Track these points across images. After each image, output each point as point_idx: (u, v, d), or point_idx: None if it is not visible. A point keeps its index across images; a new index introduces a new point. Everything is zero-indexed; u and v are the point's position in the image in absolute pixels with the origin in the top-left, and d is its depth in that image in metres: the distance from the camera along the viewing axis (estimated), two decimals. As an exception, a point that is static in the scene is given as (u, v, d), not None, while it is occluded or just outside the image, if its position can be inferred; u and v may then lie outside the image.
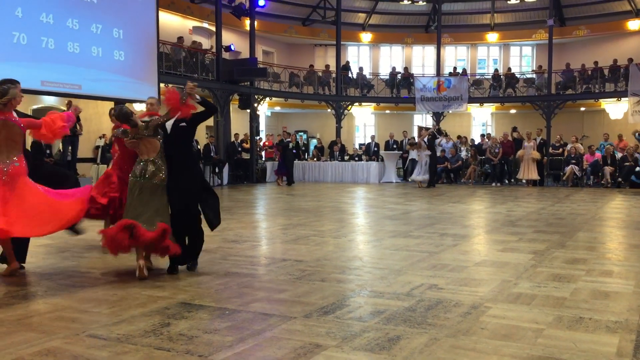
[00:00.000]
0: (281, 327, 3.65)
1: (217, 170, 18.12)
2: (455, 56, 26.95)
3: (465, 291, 4.54)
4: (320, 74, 23.62)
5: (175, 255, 5.15)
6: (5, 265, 5.20)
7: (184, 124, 5.28)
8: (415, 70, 25.84)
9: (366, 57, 27.08)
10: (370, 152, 21.04)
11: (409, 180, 18.45)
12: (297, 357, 3.15)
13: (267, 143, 21.14)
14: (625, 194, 14.09)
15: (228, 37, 20.83)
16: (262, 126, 24.16)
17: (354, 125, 26.63)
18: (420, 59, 27.11)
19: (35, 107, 14.88)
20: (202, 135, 19.79)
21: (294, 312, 3.98)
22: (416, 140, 18.40)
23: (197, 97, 5.31)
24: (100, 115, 16.05)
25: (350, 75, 24.22)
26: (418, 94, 23.08)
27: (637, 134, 17.54)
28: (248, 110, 20.06)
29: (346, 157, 21.03)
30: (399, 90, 24.07)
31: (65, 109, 12.86)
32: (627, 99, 20.88)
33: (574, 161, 17.79)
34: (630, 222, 9.04)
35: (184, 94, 5.15)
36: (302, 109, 24.45)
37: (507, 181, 18.71)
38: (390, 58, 26.94)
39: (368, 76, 24.92)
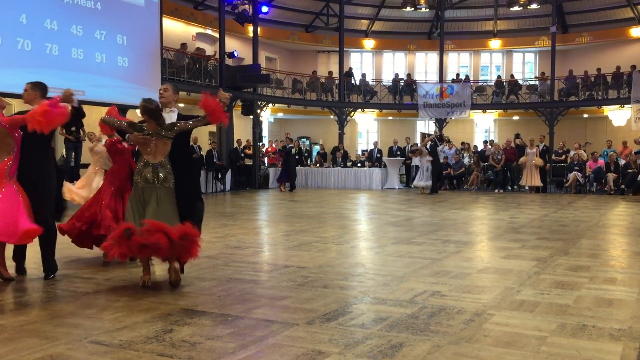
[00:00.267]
0: (284, 333, 3.65)
1: (219, 176, 18.14)
2: (458, 63, 26.98)
3: (468, 298, 4.53)
4: (323, 80, 23.67)
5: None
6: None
7: None
8: (417, 76, 25.87)
9: (369, 63, 27.13)
10: (372, 158, 21.06)
11: (412, 186, 18.44)
12: (300, 364, 3.14)
13: (269, 149, 21.16)
14: (628, 201, 14.05)
15: (231, 44, 20.90)
16: (265, 132, 24.23)
17: (357, 132, 26.66)
18: (423, 66, 27.14)
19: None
20: (204, 141, 19.84)
21: (296, 318, 3.97)
22: (418, 146, 18.42)
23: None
24: (104, 121, 16.07)
25: (353, 81, 24.26)
26: (421, 100, 23.09)
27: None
28: (251, 117, 20.10)
29: (349, 164, 21.04)
30: (402, 96, 24.09)
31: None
32: (630, 105, 20.86)
33: (577, 168, 17.76)
34: (633, 229, 9.01)
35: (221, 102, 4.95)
36: (305, 115, 24.50)
37: (509, 188, 18.68)
38: (393, 64, 26.98)
39: (371, 82, 24.96)
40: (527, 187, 17.98)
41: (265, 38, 23.12)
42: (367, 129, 26.58)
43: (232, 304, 4.38)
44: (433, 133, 20.00)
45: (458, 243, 7.37)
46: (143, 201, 4.91)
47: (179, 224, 4.81)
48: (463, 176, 19.56)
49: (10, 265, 5.30)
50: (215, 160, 17.95)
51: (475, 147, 21.86)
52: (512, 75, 24.52)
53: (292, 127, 25.59)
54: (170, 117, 5.14)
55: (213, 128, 20.03)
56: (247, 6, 20.11)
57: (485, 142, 21.45)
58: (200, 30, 21.49)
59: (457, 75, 25.02)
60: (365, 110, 24.42)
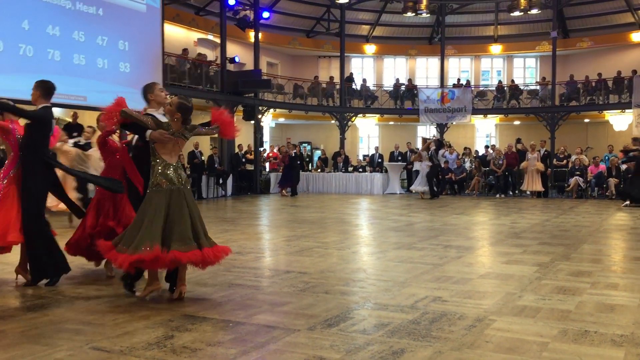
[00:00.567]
0: (285, 339, 3.64)
1: (220, 181, 18.15)
2: (459, 68, 27.01)
3: (469, 304, 4.52)
4: (324, 85, 23.72)
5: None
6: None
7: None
8: (419, 81, 25.91)
9: (370, 68, 27.18)
10: (374, 163, 21.07)
11: (412, 190, 18.44)
12: (301, 370, 3.13)
13: (271, 154, 21.18)
14: (631, 207, 14.03)
15: (232, 49, 20.95)
16: (266, 137, 24.25)
17: (358, 137, 26.68)
18: (424, 71, 27.18)
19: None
20: (206, 146, 19.86)
21: (297, 324, 3.96)
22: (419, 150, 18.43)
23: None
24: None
25: (354, 86, 24.31)
26: (422, 105, 23.12)
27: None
28: (252, 122, 20.13)
29: (350, 169, 21.05)
30: (403, 101, 24.12)
31: (70, 120, 12.92)
32: (631, 110, 20.87)
33: (578, 173, 17.76)
34: (635, 234, 9.00)
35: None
36: (306, 120, 24.53)
37: (511, 193, 18.67)
38: (394, 70, 27.02)
39: (372, 88, 25.00)
40: (528, 192, 17.97)
41: (267, 43, 23.18)
42: (368, 134, 26.61)
43: (233, 310, 4.38)
44: (430, 137, 20.00)
45: (459, 248, 7.37)
46: (168, 206, 4.58)
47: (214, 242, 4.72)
48: (464, 181, 19.56)
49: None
50: (216, 166, 17.96)
51: (477, 152, 21.86)
52: (513, 80, 24.55)
53: (293, 132, 25.62)
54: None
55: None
56: (248, 12, 20.17)
57: (486, 147, 21.46)
58: (202, 35, 21.55)
59: (458, 80, 25.05)
60: (367, 115, 24.45)
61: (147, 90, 5.03)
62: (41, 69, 12.47)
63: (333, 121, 23.54)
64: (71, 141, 9.47)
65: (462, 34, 26.19)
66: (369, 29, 26.21)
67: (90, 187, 8.41)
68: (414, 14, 23.11)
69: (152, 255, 4.39)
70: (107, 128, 5.33)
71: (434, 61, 26.35)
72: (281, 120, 25.08)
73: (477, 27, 26.15)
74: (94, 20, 14.00)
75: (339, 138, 23.23)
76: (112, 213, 5.55)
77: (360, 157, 23.50)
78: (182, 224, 4.58)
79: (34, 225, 5.12)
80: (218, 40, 19.95)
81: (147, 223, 4.51)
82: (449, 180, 19.27)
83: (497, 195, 18.27)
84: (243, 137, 20.96)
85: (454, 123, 23.76)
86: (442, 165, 18.82)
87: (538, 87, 23.75)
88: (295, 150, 19.45)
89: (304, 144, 24.17)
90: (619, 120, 22.32)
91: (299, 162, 19.98)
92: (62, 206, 6.67)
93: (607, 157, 18.56)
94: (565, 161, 18.72)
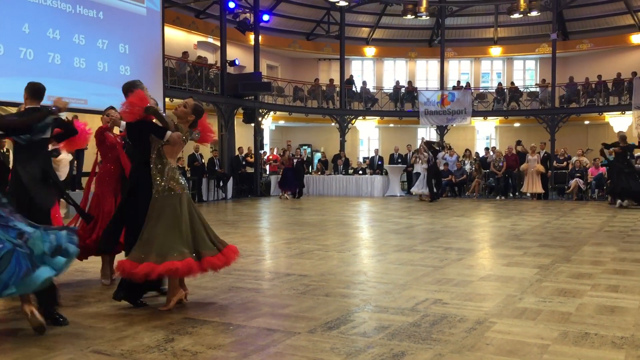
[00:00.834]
0: (285, 342, 3.64)
1: (221, 184, 18.17)
2: (459, 70, 27.03)
3: (470, 306, 4.52)
4: (324, 88, 23.73)
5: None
6: None
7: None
8: (418, 84, 25.92)
9: (370, 71, 27.20)
10: (374, 165, 21.08)
11: (412, 192, 18.45)
12: (301, 373, 3.13)
13: (271, 157, 21.20)
14: (630, 208, 14.03)
15: (232, 52, 20.98)
16: (267, 140, 24.26)
17: (358, 139, 26.68)
18: (424, 73, 27.20)
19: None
20: (206, 149, 19.86)
21: (298, 327, 3.97)
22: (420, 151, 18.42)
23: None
24: (106, 130, 16.12)
25: (354, 89, 24.32)
26: (422, 107, 23.13)
27: None
28: (252, 124, 20.15)
29: (350, 171, 21.05)
30: (403, 104, 24.13)
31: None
32: (631, 112, 20.88)
33: (578, 174, 17.75)
34: (635, 236, 8.99)
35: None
36: (306, 122, 24.55)
37: (511, 195, 18.67)
38: (394, 72, 27.03)
39: (372, 90, 25.02)
40: (528, 194, 17.96)
41: (267, 46, 23.21)
42: (368, 136, 26.62)
43: (234, 313, 4.38)
44: (420, 140, 20.02)
45: (460, 250, 7.37)
46: (181, 212, 4.42)
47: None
48: (464, 183, 19.56)
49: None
50: (216, 168, 17.97)
51: (477, 154, 21.86)
52: (512, 82, 24.56)
53: (293, 134, 25.64)
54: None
55: (215, 136, 20.04)
56: (248, 14, 20.20)
57: (486, 149, 21.47)
58: (202, 38, 21.58)
59: (458, 82, 25.07)
60: (367, 117, 24.46)
61: (131, 88, 4.88)
62: (42, 72, 12.48)
63: (333, 124, 23.55)
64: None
65: (462, 36, 26.22)
66: (369, 32, 26.24)
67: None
68: (413, 16, 23.14)
69: (185, 263, 4.26)
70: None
71: (434, 63, 26.36)
72: (281, 122, 25.10)
73: (476, 29, 26.18)
74: (94, 24, 14.02)
75: (339, 140, 23.24)
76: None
77: (361, 160, 23.51)
78: (201, 229, 4.51)
79: None
80: (218, 43, 19.98)
81: (168, 229, 4.33)
82: (448, 182, 19.27)
83: (497, 198, 18.26)
84: (243, 140, 20.99)
85: (454, 125, 23.77)
86: (442, 168, 18.81)
87: (538, 89, 23.77)
88: (301, 156, 19.59)
89: (304, 147, 24.19)
90: (619, 122, 22.30)
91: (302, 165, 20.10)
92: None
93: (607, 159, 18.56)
94: (565, 163, 18.72)
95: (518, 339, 3.69)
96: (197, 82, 18.32)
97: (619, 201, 14.35)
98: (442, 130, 23.43)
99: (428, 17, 24.05)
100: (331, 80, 24.22)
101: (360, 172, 20.79)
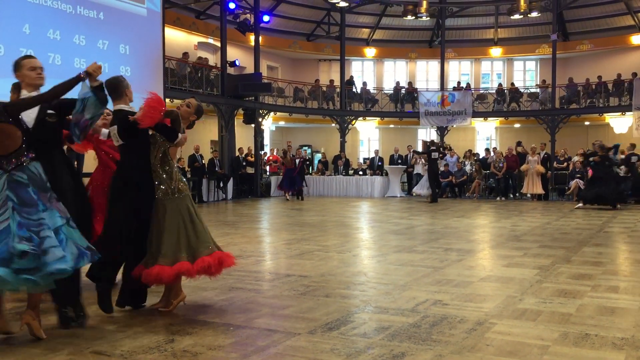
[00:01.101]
0: (285, 343, 3.64)
1: (221, 184, 18.17)
2: (459, 71, 27.05)
3: (470, 307, 4.52)
4: (324, 88, 23.75)
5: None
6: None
7: None
8: (419, 84, 25.94)
9: (370, 71, 27.22)
10: (374, 166, 21.08)
11: (413, 193, 18.45)
12: (302, 374, 3.13)
13: (271, 157, 21.20)
14: (630, 209, 14.03)
15: (233, 53, 20.99)
16: (267, 141, 24.27)
17: (358, 140, 26.69)
18: (424, 74, 27.21)
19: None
20: (206, 149, 19.87)
21: (298, 328, 3.96)
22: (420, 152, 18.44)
23: None
24: (106, 130, 16.13)
25: (354, 90, 24.33)
26: (422, 108, 23.14)
27: None
28: (252, 125, 20.15)
29: (350, 172, 21.06)
30: (403, 104, 24.14)
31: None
32: (631, 113, 20.88)
33: (578, 175, 17.74)
34: (636, 237, 9.00)
35: None
36: (307, 123, 24.56)
37: (511, 195, 18.67)
38: (394, 73, 27.05)
39: (372, 91, 25.03)
40: (528, 195, 17.97)
41: (267, 47, 23.22)
42: (368, 137, 26.62)
43: (234, 314, 4.38)
44: (415, 145, 20.04)
45: (460, 251, 7.37)
46: (188, 214, 4.40)
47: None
48: (465, 184, 19.56)
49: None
50: (216, 169, 17.98)
51: (477, 154, 21.87)
52: (512, 83, 24.57)
53: (293, 135, 25.65)
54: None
55: (215, 136, 20.08)
56: (248, 15, 20.22)
57: (486, 149, 21.48)
58: (202, 39, 21.59)
59: (458, 83, 25.08)
60: (367, 118, 24.47)
61: (123, 87, 4.69)
62: (42, 73, 12.49)
63: (333, 124, 23.56)
64: None
65: (462, 37, 26.23)
66: (369, 32, 26.25)
67: None
68: (414, 17, 23.16)
69: (207, 262, 4.28)
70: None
71: (434, 64, 26.38)
72: (281, 123, 25.11)
73: (477, 30, 26.20)
74: (95, 24, 14.02)
75: (340, 141, 23.26)
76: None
77: (361, 160, 23.52)
78: (206, 229, 4.52)
79: None
80: (218, 44, 19.99)
81: (185, 231, 4.33)
82: (449, 183, 19.27)
83: (498, 198, 18.27)
84: (243, 141, 21.00)
85: (454, 126, 23.78)
86: (442, 169, 18.81)
87: (538, 90, 23.78)
88: (304, 157, 19.58)
89: (304, 147, 24.20)
90: (619, 123, 22.33)
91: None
92: None
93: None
94: (565, 164, 18.72)
95: (518, 340, 3.69)
96: (198, 82, 18.33)
97: (580, 204, 14.37)
98: (442, 131, 23.44)
99: (428, 18, 24.08)
100: (331, 81, 24.24)
101: (361, 172, 20.80)
